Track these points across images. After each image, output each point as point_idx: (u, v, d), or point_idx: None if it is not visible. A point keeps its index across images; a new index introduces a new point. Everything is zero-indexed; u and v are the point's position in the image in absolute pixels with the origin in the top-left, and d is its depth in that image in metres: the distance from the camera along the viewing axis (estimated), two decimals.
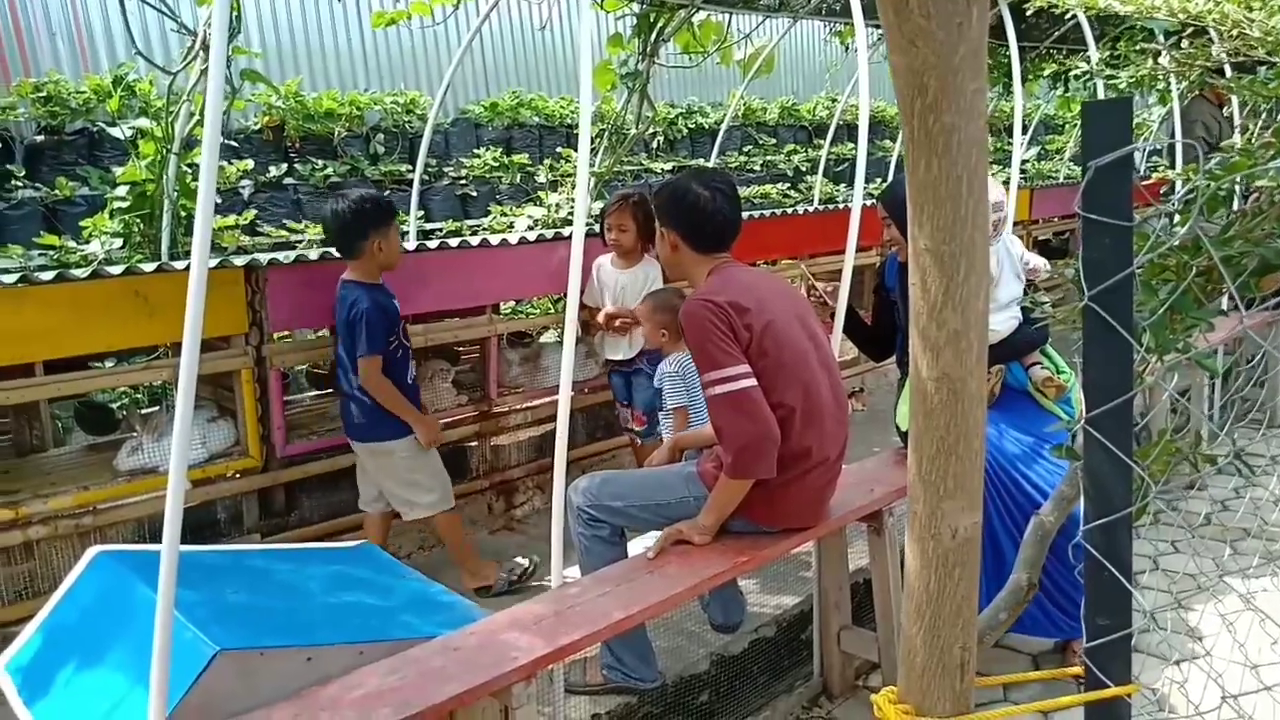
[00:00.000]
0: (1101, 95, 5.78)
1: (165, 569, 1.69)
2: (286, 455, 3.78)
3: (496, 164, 7.94)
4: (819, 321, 2.77)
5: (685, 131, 10.13)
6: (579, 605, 2.26)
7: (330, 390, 4.64)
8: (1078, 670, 1.27)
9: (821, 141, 10.03)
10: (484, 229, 7.18)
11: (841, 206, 6.86)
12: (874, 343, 3.45)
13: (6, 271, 3.81)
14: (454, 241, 4.28)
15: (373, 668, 1.99)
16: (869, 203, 4.25)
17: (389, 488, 3.59)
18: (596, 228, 4.19)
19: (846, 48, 7.96)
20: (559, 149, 8.47)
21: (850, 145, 11.25)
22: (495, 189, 7.94)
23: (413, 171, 7.57)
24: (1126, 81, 4.80)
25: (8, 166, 5.73)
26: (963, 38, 1.08)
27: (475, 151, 8.10)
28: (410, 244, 4.42)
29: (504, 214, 7.27)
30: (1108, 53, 5.57)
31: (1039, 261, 3.28)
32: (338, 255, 3.65)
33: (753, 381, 2.39)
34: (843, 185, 10.79)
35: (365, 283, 3.46)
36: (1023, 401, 3.10)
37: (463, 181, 7.80)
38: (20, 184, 5.63)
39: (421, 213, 6.04)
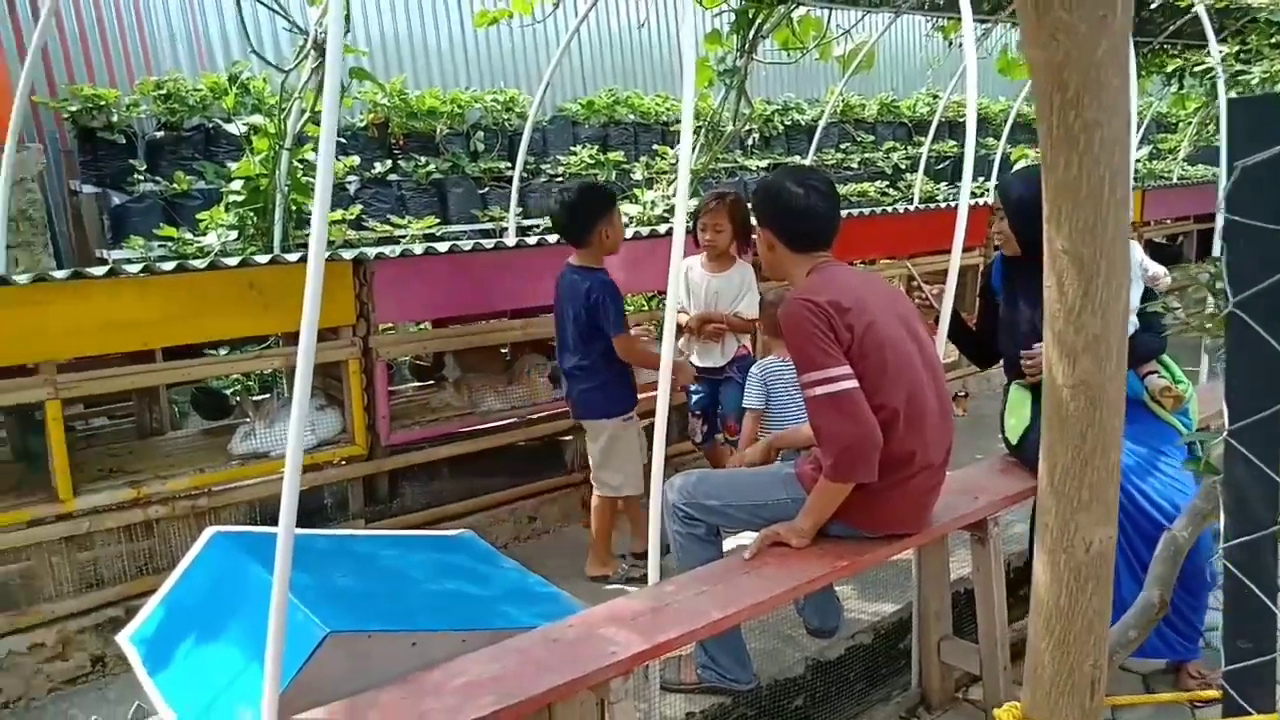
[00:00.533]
0: (1224, 92, 5.52)
1: (281, 552, 1.74)
2: (390, 444, 3.87)
3: (592, 161, 8.00)
4: (923, 323, 2.71)
5: (781, 128, 10.04)
6: (676, 603, 2.26)
7: (431, 382, 4.75)
8: (1210, 694, 1.21)
9: (921, 139, 9.82)
10: None
11: (944, 205, 6.71)
12: (978, 347, 3.36)
13: (129, 262, 4.00)
14: (552, 238, 4.31)
15: (475, 656, 2.03)
16: (976, 201, 4.14)
17: (593, 459, 3.76)
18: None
19: (950, 42, 7.77)
20: (655, 146, 8.48)
21: (951, 143, 10.99)
22: None
23: (511, 168, 7.69)
24: (1259, 78, 4.56)
25: (130, 161, 6.00)
26: (1105, 31, 1.03)
27: (572, 149, 8.16)
28: (510, 240, 4.48)
29: None
30: (1236, 47, 5.30)
31: (1158, 269, 3.15)
32: (441, 250, 3.73)
33: (854, 383, 2.35)
34: (943, 184, 10.55)
35: (593, 268, 3.62)
36: (1138, 411, 2.97)
37: (559, 178, 7.87)
38: (141, 178, 5.89)
39: (520, 209, 6.11)
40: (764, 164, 9.50)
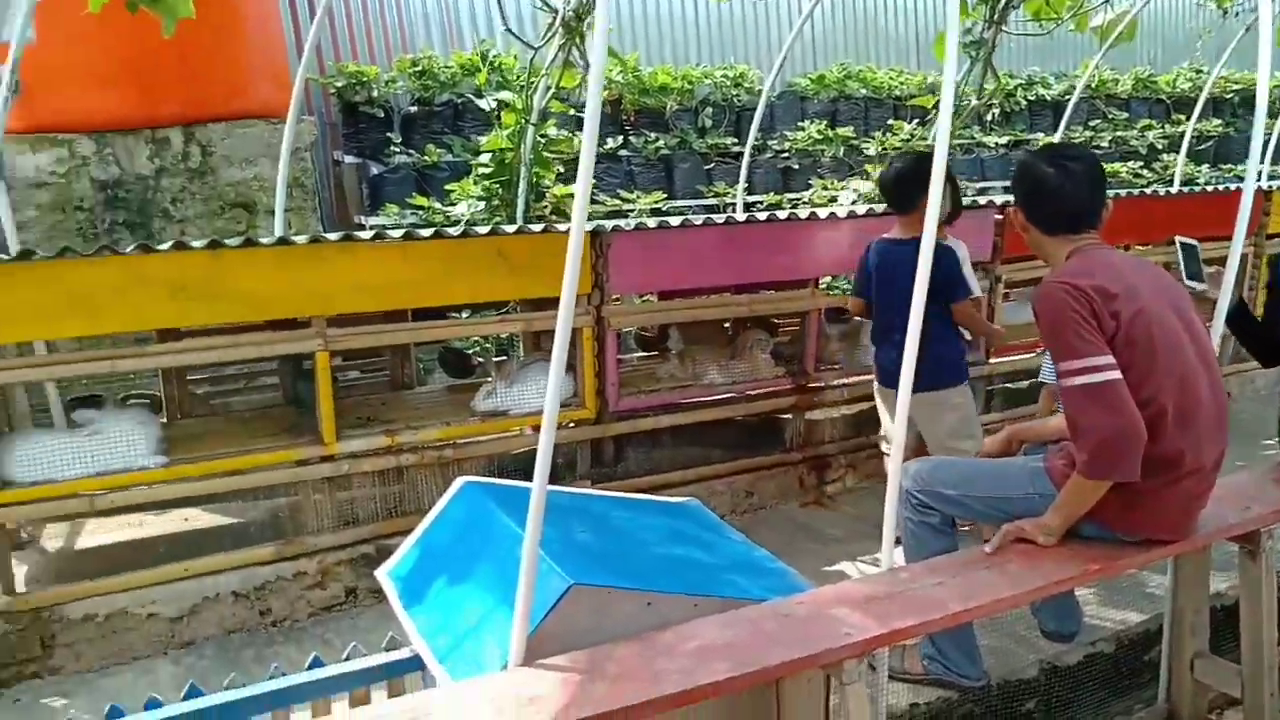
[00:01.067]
0: None
1: (534, 506, 1.83)
2: (617, 410, 3.99)
3: (820, 137, 7.86)
4: (1198, 313, 2.48)
5: (1024, 104, 9.48)
6: (912, 591, 2.20)
7: (655, 353, 4.85)
8: None
9: (1180, 117, 9.02)
10: (805, 202, 7.14)
11: (1206, 188, 6.13)
12: (1264, 343, 3.06)
13: (386, 228, 4.31)
14: (782, 214, 4.29)
15: (707, 621, 2.06)
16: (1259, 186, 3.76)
17: (938, 436, 3.68)
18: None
19: (1225, 12, 7.06)
20: (889, 121, 8.23)
21: (1216, 122, 10.02)
22: (817, 162, 7.87)
23: (737, 144, 7.70)
24: None
25: (387, 134, 6.45)
26: None
27: (799, 124, 8.05)
28: (739, 215, 4.48)
29: (825, 188, 7.19)
30: None
31: None
32: (675, 224, 3.76)
33: (1117, 374, 2.19)
34: (1203, 165, 9.64)
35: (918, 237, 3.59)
36: None
37: (785, 155, 7.79)
38: (397, 150, 6.31)
39: (745, 185, 6.10)
40: (1003, 141, 9.01)
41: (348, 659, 2.45)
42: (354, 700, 2.35)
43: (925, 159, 3.59)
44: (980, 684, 2.72)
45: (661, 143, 7.36)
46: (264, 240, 3.35)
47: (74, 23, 3.69)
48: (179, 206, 4.91)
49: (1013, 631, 3.13)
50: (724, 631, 2.00)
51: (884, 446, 3.88)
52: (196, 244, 3.21)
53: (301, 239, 3.41)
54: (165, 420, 3.83)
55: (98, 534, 3.71)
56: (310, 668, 2.38)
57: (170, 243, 3.22)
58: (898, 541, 2.71)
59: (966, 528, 3.31)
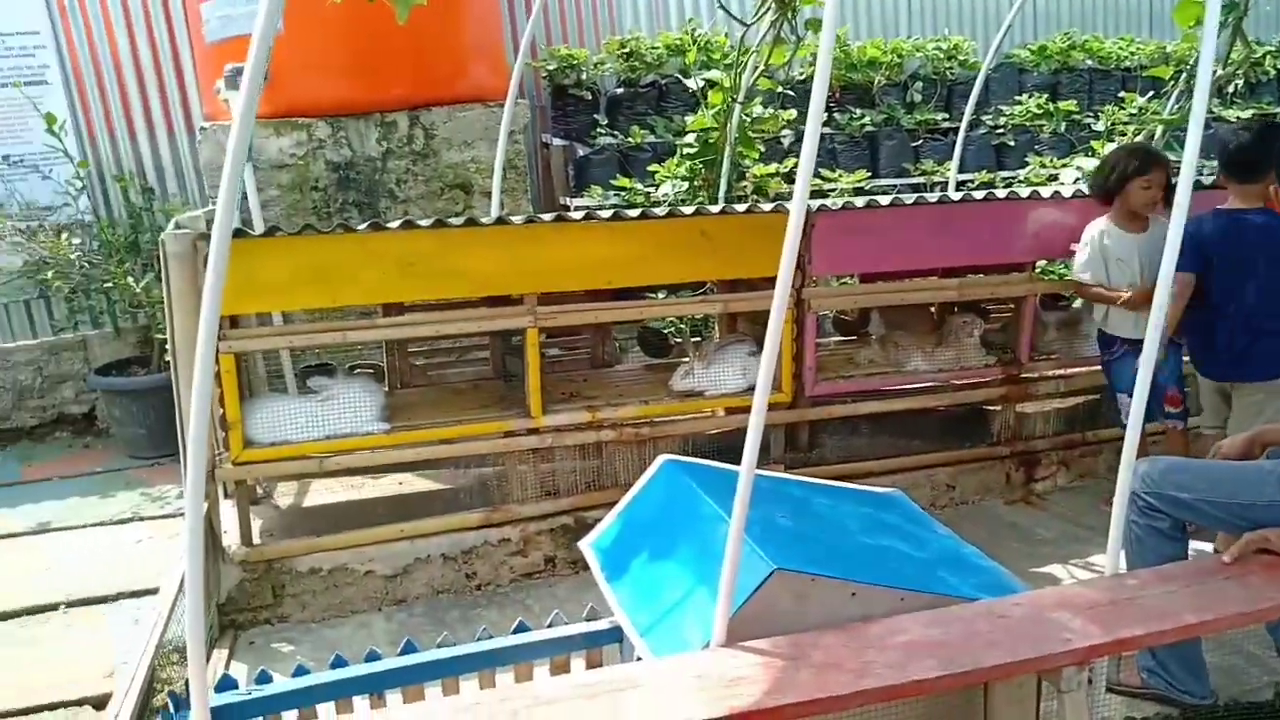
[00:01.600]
0: None
1: (741, 487, 1.83)
2: (813, 395, 3.92)
3: (1040, 111, 7.40)
4: None
5: (1272, 73, 8.57)
6: (1140, 599, 2.04)
7: (854, 337, 4.74)
8: None
9: None
10: (1021, 181, 6.76)
11: None
12: None
13: (589, 209, 4.40)
14: (1000, 193, 4.07)
15: (914, 617, 1.99)
16: None
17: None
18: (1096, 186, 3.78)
19: None
20: (1120, 94, 7.65)
21: None
22: (1035, 138, 7.42)
23: (948, 120, 7.37)
24: None
25: (594, 116, 6.58)
26: None
27: (1016, 98, 7.61)
28: (954, 194, 4.30)
29: (1044, 165, 6.77)
30: None
31: None
32: (884, 204, 3.64)
33: None
34: None
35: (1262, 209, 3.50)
36: None
37: (1000, 130, 7.39)
38: (602, 132, 6.43)
39: (958, 163, 5.83)
40: (1245, 114, 8.19)
41: (550, 626, 2.54)
42: (554, 667, 2.43)
43: (1275, 128, 3.36)
44: (1206, 702, 2.51)
45: (867, 119, 7.15)
46: (484, 220, 3.50)
47: (314, 14, 3.96)
48: (403, 187, 5.21)
49: (1243, 649, 2.87)
50: (933, 629, 1.93)
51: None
52: (423, 223, 3.39)
53: (518, 219, 3.54)
54: (387, 389, 4.08)
55: (323, 494, 4.01)
56: (515, 632, 2.49)
57: (399, 221, 3.42)
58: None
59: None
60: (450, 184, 5.28)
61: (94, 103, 5.87)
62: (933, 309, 4.53)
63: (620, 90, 6.71)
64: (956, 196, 4.03)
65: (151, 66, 5.93)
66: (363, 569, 3.50)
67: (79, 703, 3.05)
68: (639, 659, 2.10)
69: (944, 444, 4.25)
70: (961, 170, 7.05)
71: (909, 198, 3.98)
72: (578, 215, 3.55)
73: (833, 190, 6.15)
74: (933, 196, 4.02)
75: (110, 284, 5.41)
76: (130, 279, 5.29)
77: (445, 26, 5.19)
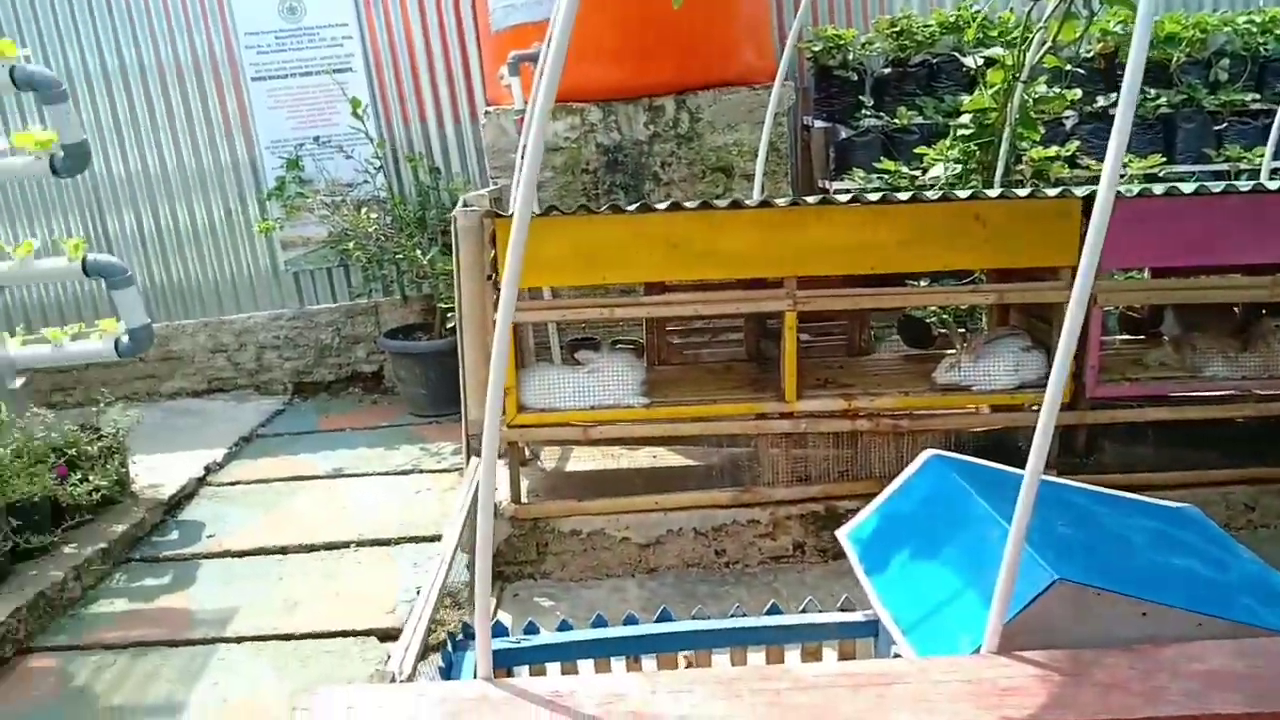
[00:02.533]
0: None
1: (1026, 490, 1.74)
2: (1094, 397, 3.65)
3: None
4: None
5: None
6: None
7: (1143, 336, 4.36)
8: None
9: None
10: None
11: None
12: None
13: (849, 191, 4.30)
14: None
15: (1215, 645, 1.81)
16: None
17: None
18: None
19: None
20: None
21: None
22: None
23: (1258, 101, 6.60)
24: None
25: (859, 98, 6.42)
26: None
27: None
28: (1267, 182, 3.85)
29: None
30: None
31: None
32: (1186, 191, 3.32)
33: None
34: None
35: None
36: None
37: None
38: (867, 113, 6.26)
39: (1275, 148, 5.20)
40: None
41: (803, 611, 2.53)
42: (805, 653, 2.42)
43: None
44: None
45: (1163, 100, 6.53)
46: (747, 203, 3.51)
47: (591, 1, 4.10)
48: (667, 170, 5.32)
49: None
50: (1236, 660, 1.75)
51: None
52: (689, 205, 3.45)
53: (782, 202, 3.52)
54: (646, 365, 4.20)
55: (584, 460, 4.19)
56: (767, 613, 2.50)
57: (667, 203, 3.49)
58: None
59: None
60: (712, 167, 5.34)
61: (390, 88, 6.41)
62: (1237, 309, 4.09)
63: (888, 70, 6.50)
64: (1274, 185, 3.58)
65: (441, 54, 6.39)
66: (618, 535, 3.63)
67: (366, 633, 3.38)
68: (897, 655, 2.05)
69: (1243, 460, 3.83)
70: (1277, 157, 6.31)
71: (1216, 185, 3.60)
72: (843, 198, 3.48)
73: (1122, 176, 5.66)
74: (1245, 185, 3.61)
75: (400, 256, 5.91)
76: (418, 251, 5.75)
77: (715, 11, 5.24)
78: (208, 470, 5.00)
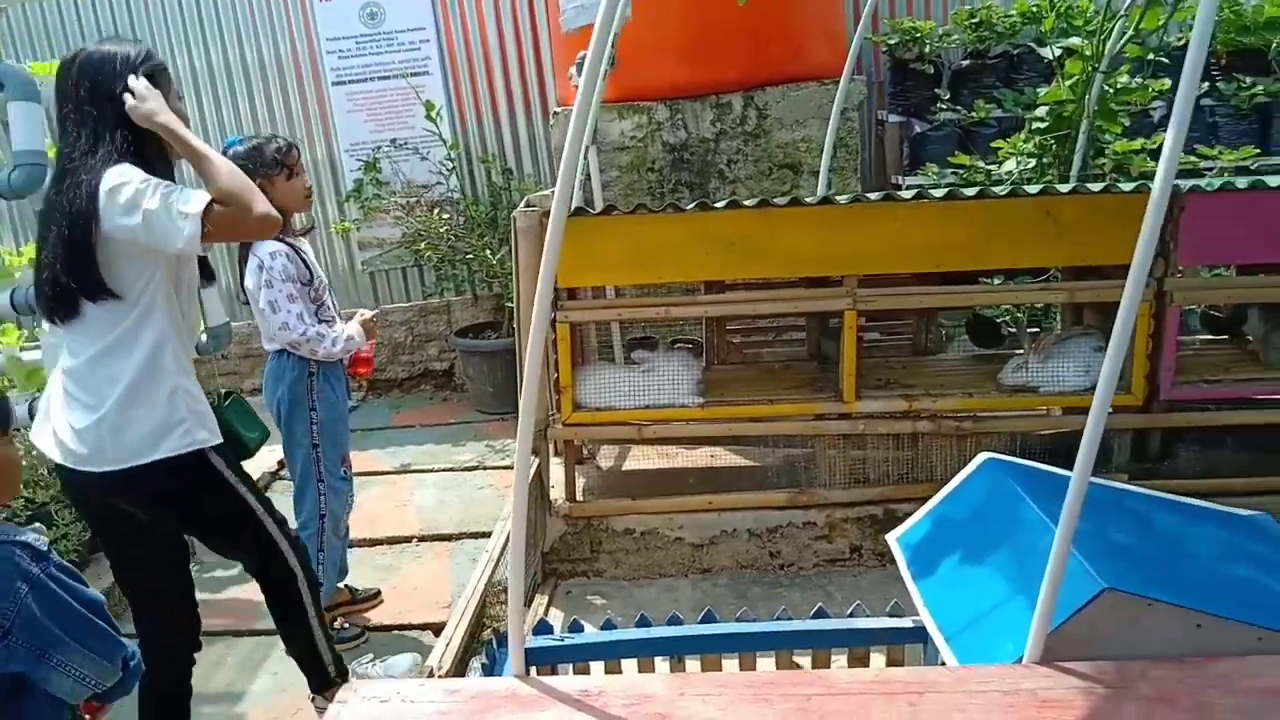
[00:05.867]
0: None
1: (1072, 495, 1.69)
2: (1170, 399, 3.50)
3: None
4: None
5: None
6: None
7: (1225, 337, 4.16)
8: None
9: None
10: None
11: None
12: None
13: (922, 188, 4.19)
14: None
15: (1273, 661, 1.72)
16: None
17: None
18: None
19: None
20: None
21: None
22: None
23: None
24: None
25: (935, 91, 6.27)
26: None
27: None
28: None
29: None
30: None
31: None
32: (1273, 185, 3.16)
33: None
34: None
35: None
36: None
37: None
38: (943, 107, 6.12)
39: None
40: None
41: (851, 615, 2.49)
42: (852, 658, 2.38)
43: None
44: None
45: (1259, 89, 6.21)
46: (808, 200, 3.46)
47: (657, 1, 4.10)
48: (733, 168, 5.28)
49: None
50: None
51: None
52: (748, 203, 3.42)
53: (843, 199, 3.46)
54: (704, 364, 4.18)
55: (639, 459, 4.19)
56: (814, 617, 2.46)
57: (725, 201, 3.47)
58: None
59: None
60: (779, 163, 5.27)
61: (465, 90, 6.50)
62: None
63: (966, 63, 6.34)
64: None
65: (515, 56, 6.46)
66: (672, 535, 3.62)
67: (423, 627, 3.44)
68: (942, 663, 2.00)
69: None
70: None
71: None
72: (907, 194, 3.41)
73: (1210, 169, 5.42)
74: None
75: (471, 255, 6.00)
76: (488, 252, 5.82)
77: (785, 5, 5.17)
78: (281, 465, 5.15)
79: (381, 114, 6.53)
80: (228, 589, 3.83)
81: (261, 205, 2.30)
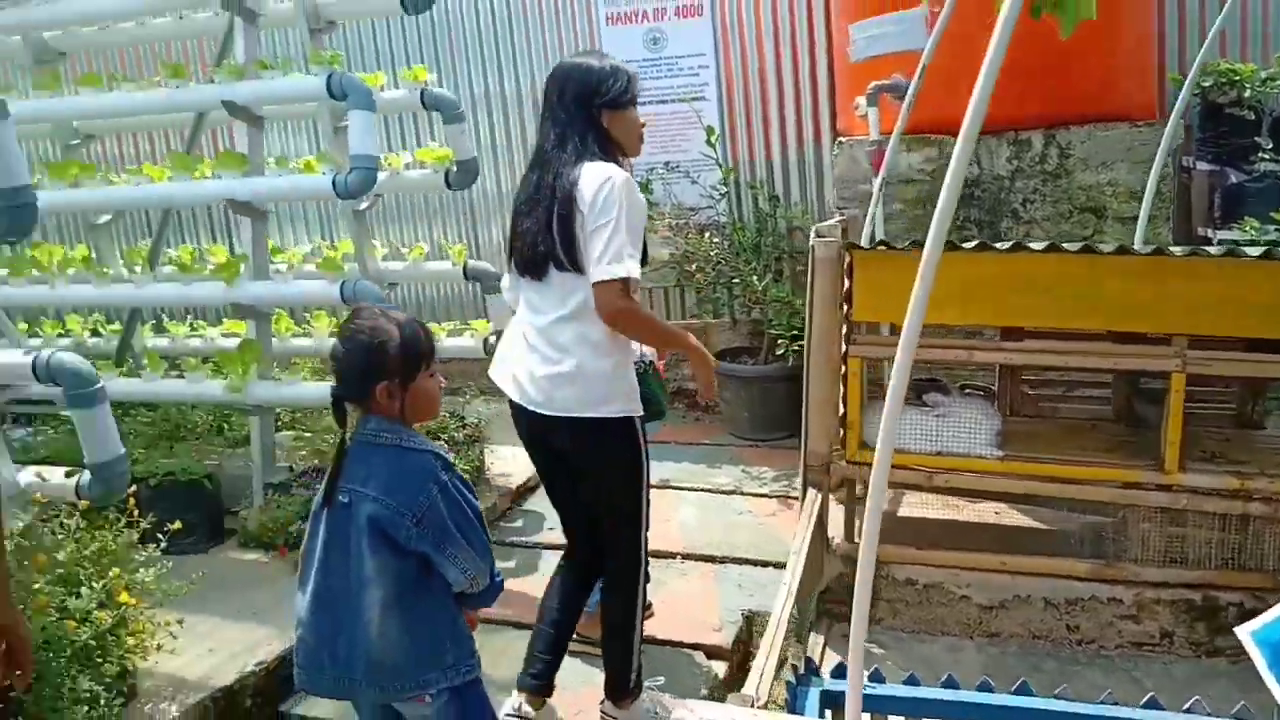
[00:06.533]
0: None
1: None
2: None
3: None
4: None
5: None
6: None
7: None
8: None
9: None
10: None
11: None
12: None
13: (1236, 244, 3.80)
14: None
15: None
16: None
17: None
18: None
19: None
20: None
21: None
22: None
23: None
24: None
25: (1254, 139, 5.71)
26: None
27: None
28: None
29: None
30: None
31: None
32: None
33: None
34: None
35: None
36: None
37: None
38: (1265, 157, 5.56)
39: None
40: None
41: (1188, 711, 2.25)
42: None
43: None
44: None
45: None
46: (1138, 248, 3.21)
47: (954, 31, 3.94)
48: (1029, 208, 5.01)
49: None
50: None
51: None
52: (1070, 247, 3.21)
53: (1178, 250, 3.19)
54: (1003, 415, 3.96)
55: (915, 506, 4.01)
56: (1145, 706, 2.25)
57: (1043, 243, 3.27)
58: None
59: None
60: (1081, 206, 4.95)
61: (740, 116, 6.54)
62: None
63: None
64: None
65: (791, 83, 6.43)
66: (958, 592, 3.44)
67: (694, 647, 3.43)
68: None
69: None
70: None
71: None
72: (1254, 251, 3.08)
73: None
74: None
75: (736, 280, 6.01)
76: (754, 277, 5.81)
77: (1094, 38, 4.85)
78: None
79: (658, 136, 6.67)
80: (506, 581, 3.97)
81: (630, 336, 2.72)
